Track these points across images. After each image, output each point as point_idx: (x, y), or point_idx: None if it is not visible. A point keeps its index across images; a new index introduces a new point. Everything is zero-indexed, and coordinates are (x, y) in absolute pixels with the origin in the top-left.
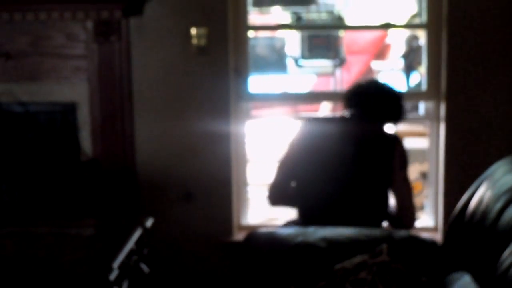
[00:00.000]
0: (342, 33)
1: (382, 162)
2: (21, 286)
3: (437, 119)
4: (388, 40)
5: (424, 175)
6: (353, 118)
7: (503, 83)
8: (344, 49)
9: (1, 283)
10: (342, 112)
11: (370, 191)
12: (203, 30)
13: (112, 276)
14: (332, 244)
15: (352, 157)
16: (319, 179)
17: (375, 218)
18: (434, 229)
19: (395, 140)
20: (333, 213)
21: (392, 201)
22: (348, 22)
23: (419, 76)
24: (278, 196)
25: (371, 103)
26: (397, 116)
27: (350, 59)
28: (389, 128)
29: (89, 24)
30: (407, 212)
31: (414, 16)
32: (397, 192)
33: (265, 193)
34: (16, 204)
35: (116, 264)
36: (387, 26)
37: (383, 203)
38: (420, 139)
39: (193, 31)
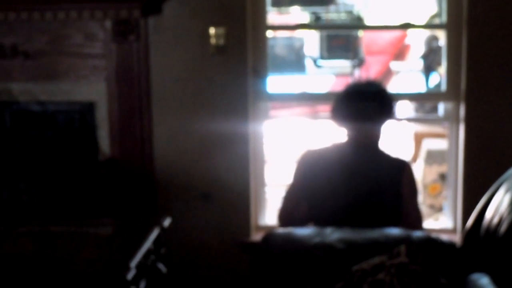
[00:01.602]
0: (361, 33)
1: (390, 187)
2: (39, 284)
3: (456, 120)
4: (407, 41)
5: (443, 177)
6: (353, 143)
7: None
8: (363, 50)
9: (20, 281)
10: (340, 136)
11: (380, 217)
12: (221, 30)
13: (130, 275)
14: (350, 245)
15: (358, 183)
16: (327, 207)
17: None
18: (453, 230)
19: (404, 164)
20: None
21: None
22: (367, 22)
23: (438, 77)
24: (287, 220)
25: (362, 103)
26: (388, 112)
27: (369, 59)
28: (397, 151)
29: (108, 24)
30: None
31: (433, 17)
32: (408, 226)
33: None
34: (35, 203)
35: (133, 263)
36: (406, 26)
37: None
38: (440, 140)
39: (212, 30)
